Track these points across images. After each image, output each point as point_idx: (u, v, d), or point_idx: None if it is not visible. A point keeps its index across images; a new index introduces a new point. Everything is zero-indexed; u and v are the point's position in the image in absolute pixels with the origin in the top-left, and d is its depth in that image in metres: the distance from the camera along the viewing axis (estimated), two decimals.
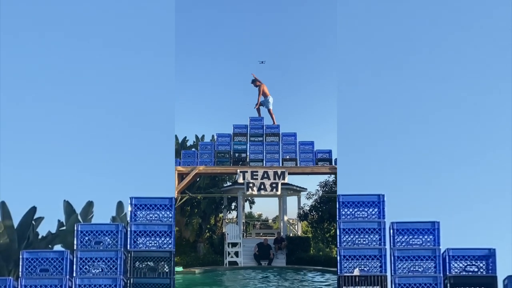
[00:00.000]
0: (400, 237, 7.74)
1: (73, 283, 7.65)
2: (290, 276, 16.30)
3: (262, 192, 15.40)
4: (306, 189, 21.64)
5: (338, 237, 7.83)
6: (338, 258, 7.78)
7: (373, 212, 7.85)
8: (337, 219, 7.87)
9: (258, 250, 18.66)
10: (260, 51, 38.98)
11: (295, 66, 40.61)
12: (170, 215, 7.93)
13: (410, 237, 7.74)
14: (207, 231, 22.02)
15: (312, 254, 19.95)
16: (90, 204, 18.20)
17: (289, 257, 18.93)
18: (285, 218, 20.70)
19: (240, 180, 15.46)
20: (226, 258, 18.45)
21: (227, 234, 18.95)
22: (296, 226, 22.23)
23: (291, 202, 23.10)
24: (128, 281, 7.74)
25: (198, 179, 20.12)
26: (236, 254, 18.53)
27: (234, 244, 18.67)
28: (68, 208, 18.06)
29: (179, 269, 16.57)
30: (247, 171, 15.39)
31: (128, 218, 7.94)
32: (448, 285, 7.60)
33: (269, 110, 17.04)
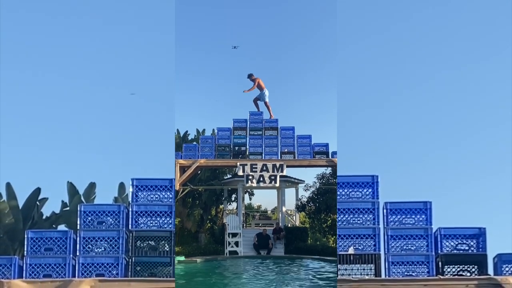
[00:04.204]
0: (393, 216, 7.67)
1: (77, 261, 7.58)
2: (288, 264, 16.23)
3: (261, 184, 15.30)
4: (304, 181, 21.64)
5: (337, 217, 7.75)
6: (338, 238, 7.70)
7: (367, 193, 7.77)
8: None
9: (258, 240, 18.59)
10: (259, 45, 38.98)
11: (293, 60, 40.63)
12: (170, 195, 7.86)
13: (403, 216, 7.67)
14: (208, 222, 21.98)
15: (310, 243, 19.88)
16: (92, 186, 18.19)
17: (287, 246, 18.87)
18: (284, 209, 20.64)
19: (240, 173, 15.35)
20: (226, 248, 18.39)
21: (228, 224, 18.90)
22: (294, 217, 22.18)
23: (289, 193, 23.09)
24: (130, 260, 7.67)
25: (199, 172, 20.06)
26: (236, 244, 18.46)
27: (234, 235, 18.61)
28: (72, 189, 18.03)
29: (181, 258, 16.51)
30: (246, 164, 15.29)
31: (130, 199, 7.86)
32: (440, 263, 7.54)
33: (265, 103, 16.95)
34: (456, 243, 7.57)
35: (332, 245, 19.64)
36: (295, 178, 21.28)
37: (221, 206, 22.98)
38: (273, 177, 15.26)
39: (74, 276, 7.53)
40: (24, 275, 7.51)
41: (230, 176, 21.96)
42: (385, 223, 7.68)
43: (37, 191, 17.29)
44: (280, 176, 15.50)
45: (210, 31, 40.06)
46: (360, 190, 7.78)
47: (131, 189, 7.86)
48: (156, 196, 7.83)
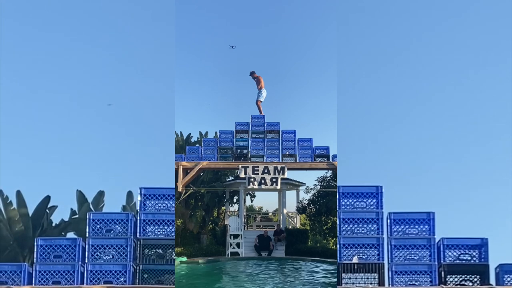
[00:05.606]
0: (397, 226, 7.71)
1: (85, 269, 7.62)
2: (289, 266, 16.29)
3: (263, 186, 15.36)
4: (305, 183, 21.71)
5: (338, 226, 7.78)
6: (338, 246, 7.73)
7: (372, 203, 7.82)
8: (337, 209, 7.83)
9: (259, 241, 18.64)
10: (261, 47, 39.00)
11: (295, 63, 40.67)
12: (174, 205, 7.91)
13: (407, 227, 7.71)
14: (210, 223, 22.02)
15: (310, 245, 19.92)
16: (101, 194, 18.24)
17: (288, 248, 18.92)
18: (285, 211, 20.68)
19: (242, 175, 15.41)
20: (228, 249, 18.45)
21: (229, 226, 18.95)
22: (295, 219, 22.20)
23: (290, 196, 23.13)
24: (138, 267, 7.72)
25: (202, 174, 20.11)
26: (238, 245, 18.52)
27: (235, 236, 18.67)
28: (81, 197, 18.08)
29: (183, 259, 16.57)
30: (248, 167, 15.35)
31: (138, 207, 7.91)
32: (443, 272, 7.58)
33: (257, 101, 16.96)
34: (459, 253, 7.61)
35: (332, 247, 19.69)
36: (296, 181, 21.33)
37: (223, 208, 23.04)
38: (274, 180, 15.32)
39: (82, 283, 7.58)
40: (33, 282, 7.55)
41: (232, 178, 22.01)
42: (388, 233, 7.71)
43: (47, 199, 17.36)
44: (281, 179, 15.56)
45: (211, 34, 40.10)
46: (365, 200, 7.83)
47: (139, 198, 7.90)
48: (164, 205, 7.87)
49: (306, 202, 20.90)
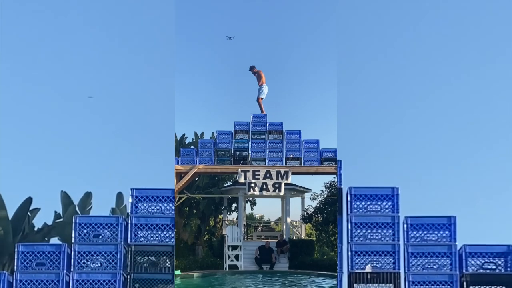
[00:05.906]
0: (415, 232, 7.67)
1: (71, 278, 7.56)
2: (293, 281, 16.26)
3: (264, 192, 15.33)
4: (311, 189, 21.71)
5: (349, 231, 7.72)
6: (349, 254, 7.67)
7: (387, 206, 7.77)
8: (349, 212, 7.76)
9: (260, 253, 18.63)
10: (261, 47, 39.11)
11: (299, 57, 40.78)
12: (173, 207, 7.87)
13: (425, 232, 7.66)
14: (206, 233, 22.03)
15: (316, 258, 19.93)
16: (88, 195, 18.20)
17: (292, 261, 18.92)
18: (288, 220, 20.68)
19: (241, 180, 15.38)
20: (226, 262, 18.45)
21: (227, 236, 18.97)
22: (300, 229, 22.20)
23: (295, 203, 23.11)
24: (128, 276, 7.66)
25: (197, 179, 20.09)
26: (237, 257, 18.52)
27: (234, 247, 18.67)
28: (66, 199, 18.04)
29: (176, 272, 16.54)
30: (248, 171, 15.31)
31: (129, 210, 7.86)
32: (465, 283, 7.54)
33: (258, 99, 16.97)
34: (483, 261, 7.57)
35: None
36: (301, 187, 21.33)
37: (220, 216, 23.06)
38: (277, 185, 15.29)
39: None
40: None
41: (231, 183, 22.02)
42: (405, 239, 7.68)
43: (28, 200, 17.31)
44: (285, 184, 15.53)
45: (208, 26, 40.26)
46: (379, 203, 7.78)
47: (130, 200, 7.85)
48: (158, 207, 7.82)
49: (312, 210, 20.89)
